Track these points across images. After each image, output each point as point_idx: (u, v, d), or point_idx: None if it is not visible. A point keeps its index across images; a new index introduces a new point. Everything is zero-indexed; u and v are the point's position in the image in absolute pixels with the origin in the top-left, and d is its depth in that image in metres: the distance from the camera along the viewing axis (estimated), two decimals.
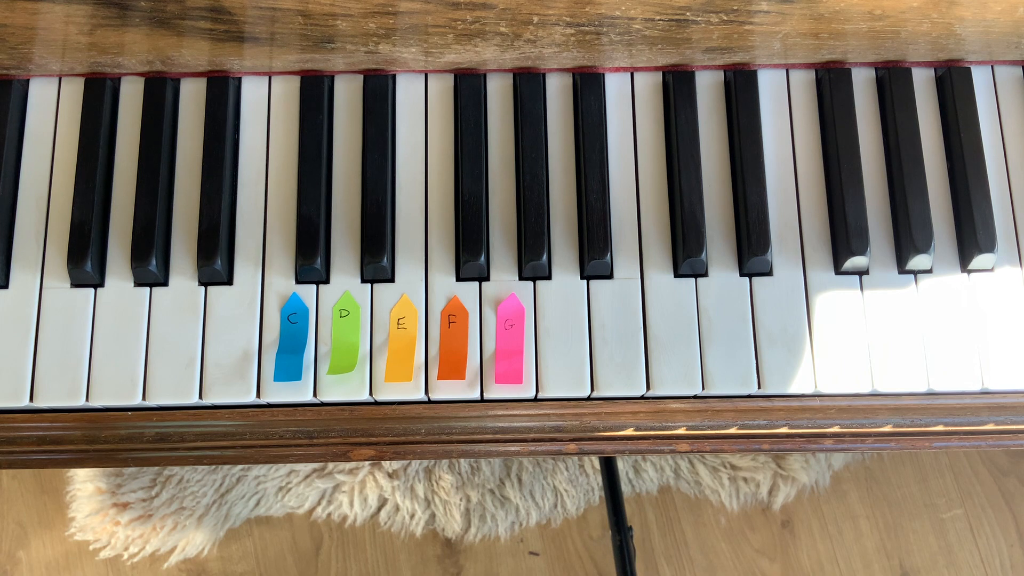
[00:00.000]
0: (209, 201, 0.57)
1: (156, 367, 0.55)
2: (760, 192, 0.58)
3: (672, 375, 0.56)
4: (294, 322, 0.56)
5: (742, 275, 0.58)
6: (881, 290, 0.57)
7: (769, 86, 0.61)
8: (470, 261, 0.56)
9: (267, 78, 0.60)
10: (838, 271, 0.58)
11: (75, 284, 0.57)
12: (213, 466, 1.24)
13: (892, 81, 0.60)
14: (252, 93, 0.60)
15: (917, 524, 1.26)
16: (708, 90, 0.61)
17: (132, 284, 0.57)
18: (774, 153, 0.60)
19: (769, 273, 0.58)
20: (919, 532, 1.26)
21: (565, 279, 0.57)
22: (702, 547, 1.25)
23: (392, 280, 0.57)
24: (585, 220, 0.57)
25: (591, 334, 0.56)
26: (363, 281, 0.57)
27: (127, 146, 0.59)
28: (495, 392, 0.56)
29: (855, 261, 0.57)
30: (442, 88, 0.60)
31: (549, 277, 0.57)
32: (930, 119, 0.60)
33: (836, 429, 0.58)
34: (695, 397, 0.56)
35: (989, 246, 0.57)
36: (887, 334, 0.56)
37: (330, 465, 1.17)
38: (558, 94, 0.60)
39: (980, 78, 0.61)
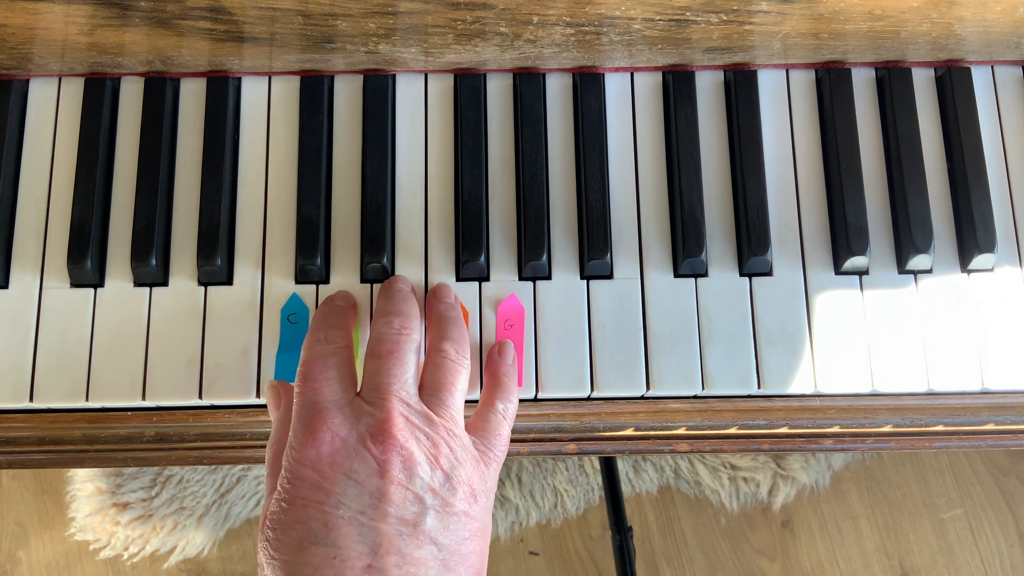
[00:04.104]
0: (209, 201, 0.57)
1: (156, 367, 0.55)
2: (760, 192, 0.58)
3: (672, 375, 0.56)
4: (294, 322, 0.56)
5: (742, 275, 0.58)
6: (881, 290, 0.57)
7: (769, 86, 0.61)
8: (470, 261, 0.56)
9: (267, 78, 0.60)
10: (838, 271, 0.58)
11: (75, 284, 0.57)
12: (213, 466, 1.24)
13: (892, 81, 0.60)
14: (252, 93, 0.60)
15: (917, 524, 1.26)
16: (708, 90, 0.61)
17: (132, 284, 0.57)
18: (774, 153, 0.60)
19: (769, 273, 0.58)
20: (919, 532, 1.26)
21: (565, 279, 0.57)
22: (702, 547, 1.25)
23: None
24: (585, 220, 0.57)
25: (591, 334, 0.56)
26: (363, 281, 0.57)
27: (127, 146, 0.59)
28: None
29: (855, 261, 0.57)
30: (442, 88, 0.60)
31: (549, 277, 0.57)
32: (930, 119, 0.60)
33: (836, 429, 0.58)
34: (695, 397, 0.56)
35: (989, 246, 0.57)
36: (887, 334, 0.56)
37: None
38: (558, 94, 0.60)
39: (980, 78, 0.61)
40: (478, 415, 0.51)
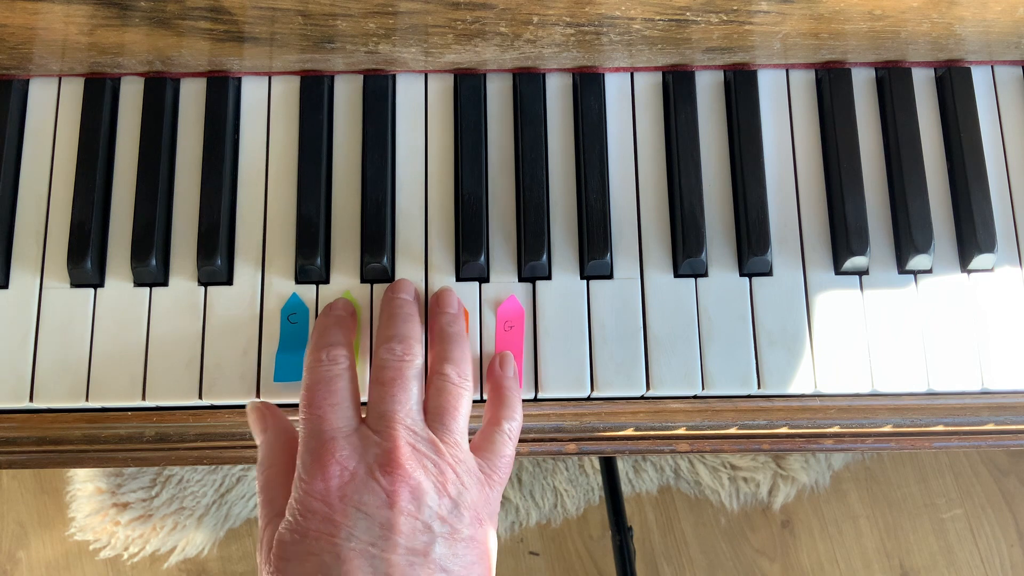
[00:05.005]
0: (209, 201, 0.57)
1: (156, 367, 0.55)
2: (760, 192, 0.58)
3: (672, 375, 0.56)
4: (294, 322, 0.56)
5: (742, 275, 0.58)
6: (881, 290, 0.57)
7: (769, 86, 0.61)
8: (470, 261, 0.56)
9: (267, 78, 0.60)
10: (838, 271, 0.58)
11: (75, 284, 0.57)
12: (213, 466, 1.24)
13: (892, 81, 0.60)
14: (252, 93, 0.60)
15: (917, 524, 1.26)
16: (708, 90, 0.61)
17: (132, 284, 0.57)
18: (774, 153, 0.60)
19: (769, 273, 0.58)
20: (919, 532, 1.26)
21: (565, 279, 0.57)
22: (702, 547, 1.25)
23: (392, 280, 0.57)
24: (585, 220, 0.57)
25: (591, 334, 0.56)
26: (363, 281, 0.57)
27: (127, 146, 0.59)
28: None
29: (855, 261, 0.57)
30: (442, 88, 0.60)
31: (549, 277, 0.57)
32: (930, 119, 0.60)
33: (836, 429, 0.58)
34: (695, 397, 0.56)
35: (989, 246, 0.57)
36: (887, 334, 0.56)
37: None
38: (558, 94, 0.60)
39: (980, 78, 0.61)
40: (483, 435, 0.51)
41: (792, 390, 0.56)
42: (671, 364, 0.56)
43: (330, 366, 0.49)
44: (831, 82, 0.60)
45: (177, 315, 0.56)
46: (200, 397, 0.55)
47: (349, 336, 0.52)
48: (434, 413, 0.49)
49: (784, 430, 0.57)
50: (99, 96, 0.59)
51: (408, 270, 0.57)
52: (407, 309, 0.53)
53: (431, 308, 0.55)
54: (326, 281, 0.57)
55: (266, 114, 0.60)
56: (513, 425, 0.52)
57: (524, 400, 0.56)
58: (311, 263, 0.56)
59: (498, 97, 0.60)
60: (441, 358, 0.51)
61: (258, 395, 0.55)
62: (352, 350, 0.51)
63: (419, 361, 0.50)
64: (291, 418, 0.56)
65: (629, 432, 0.57)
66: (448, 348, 0.52)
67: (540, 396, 0.56)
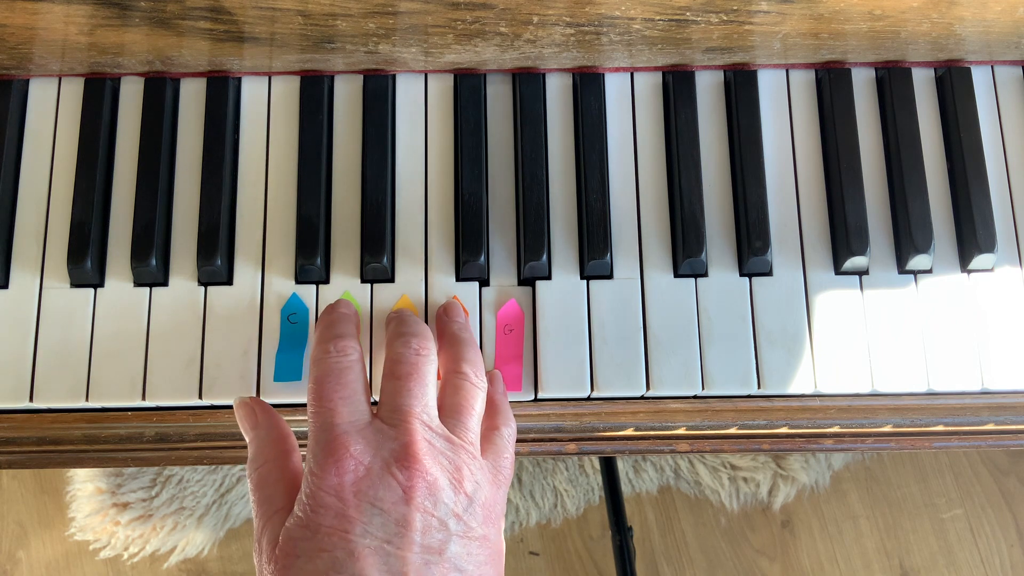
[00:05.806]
0: (209, 201, 0.57)
1: (156, 367, 0.55)
2: (760, 192, 0.58)
3: (672, 375, 0.56)
4: (294, 322, 0.56)
5: (742, 275, 0.58)
6: (881, 290, 0.57)
7: (769, 86, 0.61)
8: (470, 261, 0.56)
9: (267, 78, 0.60)
10: (838, 271, 0.58)
11: (75, 284, 0.57)
12: (213, 466, 1.24)
13: (892, 81, 0.60)
14: (252, 93, 0.60)
15: (917, 524, 1.26)
16: (708, 90, 0.61)
17: (132, 284, 0.57)
18: (774, 153, 0.60)
19: (769, 273, 0.58)
20: (919, 532, 1.26)
21: (565, 279, 0.57)
22: (702, 547, 1.25)
23: (392, 280, 0.57)
24: (585, 220, 0.57)
25: (591, 334, 0.56)
26: (363, 281, 0.57)
27: (127, 146, 0.59)
28: None
29: (855, 261, 0.57)
30: (442, 88, 0.60)
31: (549, 277, 0.57)
32: (930, 119, 0.60)
33: (836, 429, 0.58)
34: (695, 397, 0.56)
35: (989, 246, 0.57)
36: (887, 334, 0.56)
37: None
38: (558, 94, 0.60)
39: (980, 78, 0.61)
40: (484, 438, 0.51)
41: (792, 390, 0.56)
42: (671, 364, 0.56)
43: (339, 358, 0.48)
44: (831, 82, 0.60)
45: (177, 315, 0.56)
46: (200, 397, 0.55)
47: (356, 331, 0.52)
48: (450, 410, 0.49)
49: (784, 430, 0.57)
50: (99, 96, 0.59)
51: (408, 270, 0.57)
52: (415, 317, 0.53)
53: (439, 317, 0.55)
54: (326, 281, 0.57)
55: (266, 114, 0.60)
56: (510, 431, 0.52)
57: (524, 401, 0.56)
58: (311, 263, 0.56)
59: (498, 97, 0.60)
60: (458, 359, 0.51)
61: (258, 395, 0.55)
62: (359, 344, 0.50)
63: (434, 358, 0.50)
64: (290, 418, 0.56)
65: (629, 432, 0.57)
66: (464, 350, 0.52)
67: (540, 396, 0.56)
